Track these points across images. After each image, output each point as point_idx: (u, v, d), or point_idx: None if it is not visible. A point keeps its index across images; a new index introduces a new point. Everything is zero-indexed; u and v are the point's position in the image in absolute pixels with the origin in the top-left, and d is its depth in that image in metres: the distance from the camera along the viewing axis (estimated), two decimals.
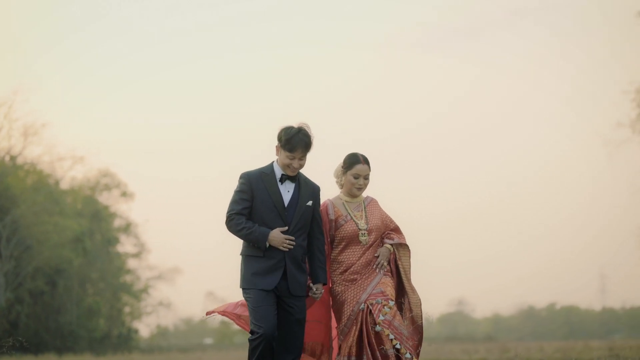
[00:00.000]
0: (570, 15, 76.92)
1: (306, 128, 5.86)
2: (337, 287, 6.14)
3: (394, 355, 5.91)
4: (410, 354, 5.96)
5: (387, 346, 5.90)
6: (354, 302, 6.05)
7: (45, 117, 53.75)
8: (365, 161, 6.19)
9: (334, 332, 6.23)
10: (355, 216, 6.20)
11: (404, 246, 6.28)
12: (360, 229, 6.16)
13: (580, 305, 73.59)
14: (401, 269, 6.24)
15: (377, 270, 6.15)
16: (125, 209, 45.64)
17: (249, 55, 76.38)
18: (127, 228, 45.67)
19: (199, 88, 75.71)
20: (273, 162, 5.97)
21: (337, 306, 6.12)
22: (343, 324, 6.05)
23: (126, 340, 43.11)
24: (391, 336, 5.94)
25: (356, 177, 6.19)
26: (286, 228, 5.83)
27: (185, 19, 73.47)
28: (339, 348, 6.04)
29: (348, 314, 6.04)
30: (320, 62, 77.56)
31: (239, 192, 5.88)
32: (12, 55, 57.29)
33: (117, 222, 45.45)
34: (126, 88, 74.12)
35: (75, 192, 41.68)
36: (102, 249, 43.03)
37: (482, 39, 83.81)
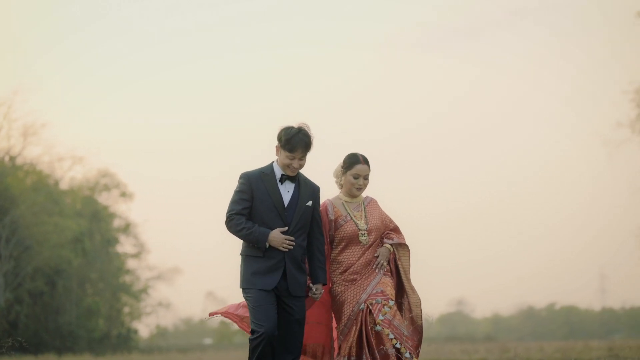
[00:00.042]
0: (570, 15, 77.01)
1: (306, 128, 5.85)
2: (337, 287, 6.14)
3: (394, 354, 5.90)
4: (410, 353, 5.95)
5: (387, 346, 5.90)
6: (354, 302, 6.04)
7: (45, 117, 53.82)
8: (365, 161, 6.18)
9: (335, 333, 6.22)
10: (355, 216, 6.19)
11: (403, 246, 6.27)
12: (360, 229, 6.15)
13: (580, 305, 73.70)
14: (401, 269, 6.23)
15: (376, 270, 6.14)
16: (124, 209, 45.71)
17: (249, 55, 76.48)
18: (126, 228, 45.68)
19: (199, 88, 75.80)
20: (273, 162, 5.96)
21: (337, 306, 6.12)
22: (343, 324, 6.05)
23: (126, 340, 43.11)
24: (391, 336, 5.93)
25: (356, 177, 6.18)
26: (286, 228, 5.82)
27: (185, 19, 73.56)
28: (339, 348, 6.04)
29: (348, 314, 6.04)
30: (320, 62, 77.66)
31: (238, 192, 5.87)
32: (12, 55, 57.37)
33: (116, 223, 45.47)
34: (126, 88, 74.22)
35: (74, 193, 41.69)
36: (102, 249, 43.03)
37: (482, 39, 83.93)
